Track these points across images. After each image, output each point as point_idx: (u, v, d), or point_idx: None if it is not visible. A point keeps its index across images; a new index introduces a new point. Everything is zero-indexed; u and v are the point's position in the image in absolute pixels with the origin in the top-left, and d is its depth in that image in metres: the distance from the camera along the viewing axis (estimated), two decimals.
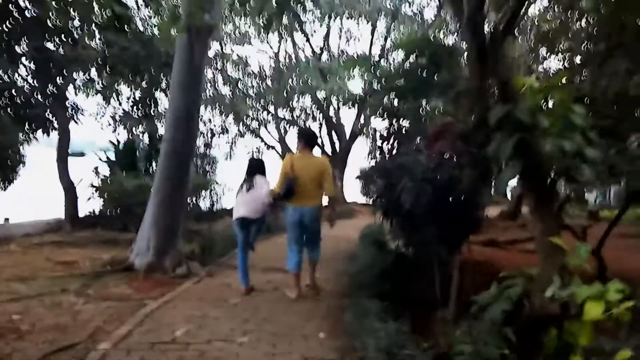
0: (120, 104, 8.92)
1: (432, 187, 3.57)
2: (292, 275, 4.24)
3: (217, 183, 9.17)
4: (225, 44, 14.25)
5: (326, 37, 14.60)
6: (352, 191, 17.18)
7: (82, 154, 8.52)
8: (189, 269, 5.11)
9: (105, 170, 8.37)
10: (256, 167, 4.54)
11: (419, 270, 4.41)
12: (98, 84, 8.62)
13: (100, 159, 8.39)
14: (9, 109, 7.59)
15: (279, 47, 15.02)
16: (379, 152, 5.90)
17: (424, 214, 3.60)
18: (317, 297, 4.23)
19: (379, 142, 5.89)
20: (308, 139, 4.33)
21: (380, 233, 7.50)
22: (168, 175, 5.43)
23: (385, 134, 5.96)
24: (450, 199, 3.67)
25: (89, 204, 8.12)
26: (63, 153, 8.13)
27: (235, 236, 4.52)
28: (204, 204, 9.32)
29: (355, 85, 13.08)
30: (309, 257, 4.33)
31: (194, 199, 9.02)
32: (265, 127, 15.83)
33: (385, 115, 7.28)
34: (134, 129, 8.78)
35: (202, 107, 14.73)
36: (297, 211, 4.11)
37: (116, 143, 8.63)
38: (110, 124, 8.93)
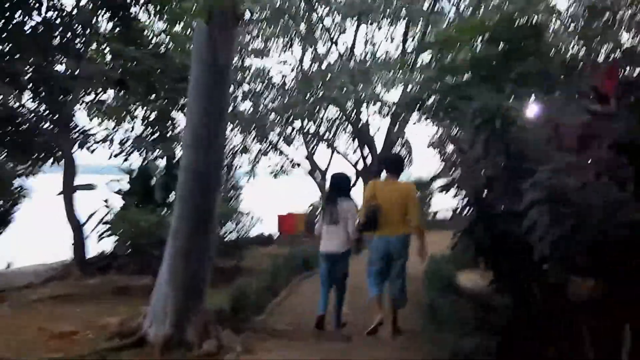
0: (133, 128, 7.84)
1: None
2: (373, 299, 4.00)
3: (241, 213, 7.92)
4: (244, 56, 13.24)
5: (353, 40, 13.37)
6: None
7: (91, 187, 7.43)
8: (220, 342, 3.83)
9: (118, 203, 7.26)
10: (339, 187, 4.26)
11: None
12: (107, 105, 7.58)
13: (111, 191, 7.27)
14: (7, 138, 6.64)
15: (303, 53, 13.85)
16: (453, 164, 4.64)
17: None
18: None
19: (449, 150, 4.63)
20: (392, 164, 4.21)
21: (450, 269, 6.14)
22: (188, 213, 4.20)
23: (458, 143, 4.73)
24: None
25: (101, 243, 7.00)
26: (69, 187, 7.07)
27: (320, 268, 4.37)
28: (229, 236, 8.08)
29: (392, 91, 11.69)
30: (392, 299, 4.03)
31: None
32: (290, 143, 14.66)
33: (447, 119, 6.01)
34: (149, 153, 7.67)
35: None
36: (383, 241, 3.93)
37: (129, 171, 7.50)
38: (122, 150, 7.86)
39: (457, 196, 4.07)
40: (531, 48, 4.35)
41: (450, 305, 4.17)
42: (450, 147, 4.60)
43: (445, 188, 4.34)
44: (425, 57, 9.71)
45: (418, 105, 6.24)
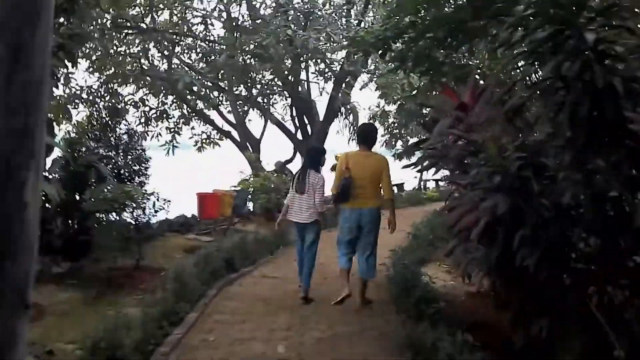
0: None
1: None
2: (342, 271, 4.11)
3: (146, 194, 5.88)
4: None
5: None
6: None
7: None
8: None
9: None
10: (312, 159, 4.46)
11: None
12: None
13: None
14: None
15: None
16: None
17: None
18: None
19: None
20: (365, 134, 4.18)
21: (416, 262, 4.95)
22: None
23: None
24: None
25: None
26: None
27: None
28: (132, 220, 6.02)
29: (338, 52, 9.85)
30: (361, 273, 4.09)
31: (112, 214, 5.76)
32: (216, 108, 12.43)
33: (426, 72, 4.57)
34: None
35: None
36: (354, 213, 3.97)
37: None
38: None
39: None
40: None
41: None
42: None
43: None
44: None
45: (383, 49, 4.61)
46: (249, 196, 8.23)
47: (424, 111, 15.71)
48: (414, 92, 13.02)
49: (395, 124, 15.79)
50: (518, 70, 3.06)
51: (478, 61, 5.30)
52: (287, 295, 4.75)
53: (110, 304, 4.76)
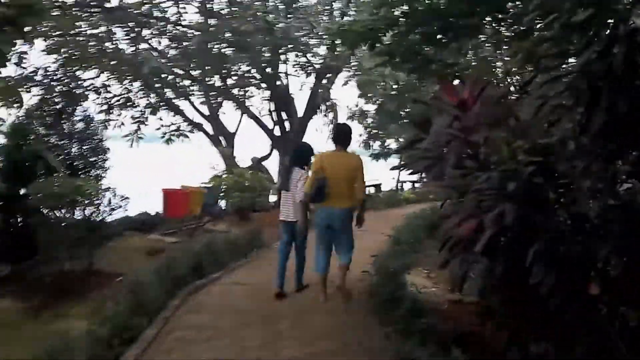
0: None
1: None
2: (319, 277, 4.13)
3: (101, 190, 5.18)
4: None
5: None
6: None
7: None
8: None
9: None
10: (297, 156, 4.45)
11: None
12: None
13: None
14: None
15: None
16: None
17: None
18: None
19: None
20: (340, 134, 4.11)
21: (402, 268, 4.61)
22: None
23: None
24: None
25: None
26: None
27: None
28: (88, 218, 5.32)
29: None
30: (339, 261, 4.09)
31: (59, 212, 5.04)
32: (187, 97, 11.64)
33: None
34: None
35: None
36: (326, 212, 3.98)
37: None
38: None
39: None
40: None
41: None
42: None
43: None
44: None
45: (373, 40, 4.16)
46: (222, 194, 7.58)
47: (402, 113, 15.59)
48: (394, 92, 12.81)
49: (374, 124, 15.49)
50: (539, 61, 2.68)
51: (463, 60, 5.05)
52: (261, 305, 4.23)
53: (56, 316, 4.10)
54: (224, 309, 4.16)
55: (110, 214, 5.38)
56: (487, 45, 5.50)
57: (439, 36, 4.40)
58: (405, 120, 12.93)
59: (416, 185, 14.74)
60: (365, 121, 15.83)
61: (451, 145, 3.24)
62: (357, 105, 15.32)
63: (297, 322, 3.85)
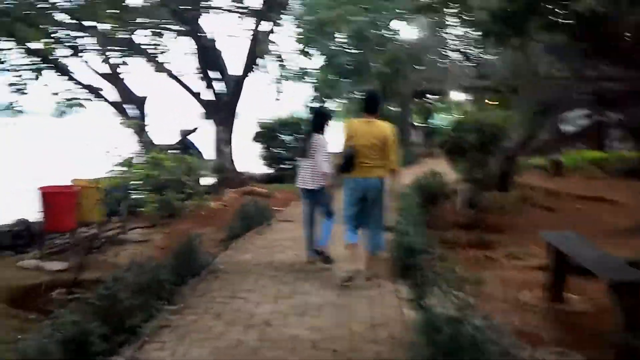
0: None
1: None
2: (348, 246, 3.99)
3: None
4: None
5: None
6: (247, 156, 11.70)
7: None
8: None
9: None
10: (316, 122, 4.41)
11: None
12: None
13: None
14: None
15: None
16: None
17: None
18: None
19: None
20: (369, 101, 4.06)
21: None
22: None
23: None
24: None
25: None
26: None
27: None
28: None
29: None
30: (368, 247, 3.99)
31: None
32: (80, 53, 8.73)
33: None
34: None
35: None
36: (358, 183, 3.88)
37: None
38: None
39: None
40: None
41: None
42: None
43: None
44: None
45: None
46: (131, 190, 5.23)
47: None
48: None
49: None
50: None
51: None
52: None
53: None
54: None
55: None
56: None
57: None
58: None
59: None
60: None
61: None
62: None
63: None
